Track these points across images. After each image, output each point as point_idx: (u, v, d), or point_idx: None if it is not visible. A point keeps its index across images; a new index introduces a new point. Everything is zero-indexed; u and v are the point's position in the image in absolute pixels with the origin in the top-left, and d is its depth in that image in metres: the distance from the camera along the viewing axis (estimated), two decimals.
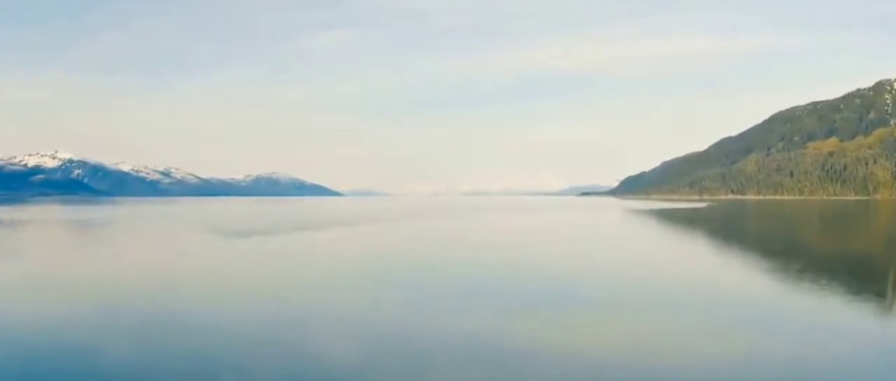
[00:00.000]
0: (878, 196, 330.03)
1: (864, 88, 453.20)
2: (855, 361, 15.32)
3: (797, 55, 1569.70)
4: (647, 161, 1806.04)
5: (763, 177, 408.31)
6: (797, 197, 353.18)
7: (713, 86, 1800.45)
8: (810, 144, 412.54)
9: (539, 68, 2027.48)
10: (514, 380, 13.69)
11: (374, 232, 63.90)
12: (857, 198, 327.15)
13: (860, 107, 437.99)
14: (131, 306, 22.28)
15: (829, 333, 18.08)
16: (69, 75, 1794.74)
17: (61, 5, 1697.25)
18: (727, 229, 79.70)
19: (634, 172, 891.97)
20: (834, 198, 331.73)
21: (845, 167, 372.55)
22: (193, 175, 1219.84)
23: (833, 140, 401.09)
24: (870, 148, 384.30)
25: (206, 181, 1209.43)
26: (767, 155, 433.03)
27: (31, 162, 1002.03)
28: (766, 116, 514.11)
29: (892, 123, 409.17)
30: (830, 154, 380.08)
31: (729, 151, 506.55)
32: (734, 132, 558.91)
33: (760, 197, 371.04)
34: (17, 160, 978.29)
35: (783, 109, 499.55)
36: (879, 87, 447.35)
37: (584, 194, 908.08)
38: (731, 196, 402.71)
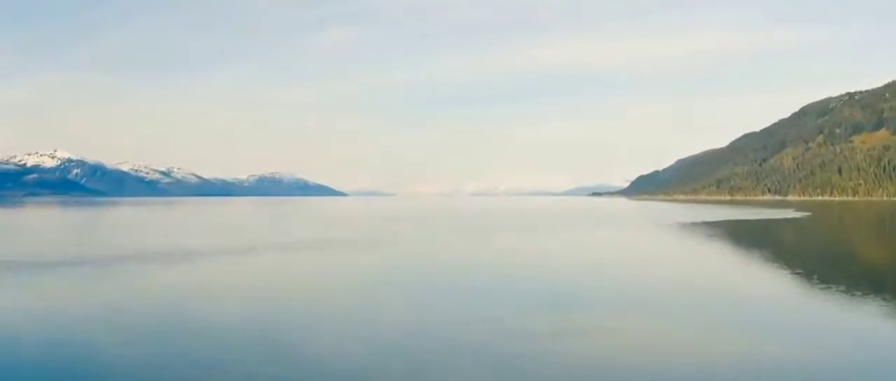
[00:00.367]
0: None
1: None
2: None
3: (801, 51, 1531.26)
4: (658, 160, 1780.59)
5: (804, 175, 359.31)
6: (850, 197, 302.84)
7: (722, 83, 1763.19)
8: (856, 138, 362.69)
9: (545, 67, 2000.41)
10: None
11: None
12: None
13: None
14: None
15: None
16: (70, 75, 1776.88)
17: (62, 4, 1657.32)
18: None
19: (645, 171, 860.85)
20: None
21: None
22: (195, 175, 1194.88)
23: (883, 132, 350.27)
24: None
25: (207, 181, 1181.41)
26: (806, 150, 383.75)
27: (31, 161, 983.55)
28: (795, 109, 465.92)
29: None
30: (885, 148, 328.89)
31: (754, 148, 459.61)
32: (757, 128, 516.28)
33: (805, 198, 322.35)
34: (16, 160, 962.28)
35: (814, 100, 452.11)
36: None
37: (594, 194, 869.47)
38: (768, 196, 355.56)
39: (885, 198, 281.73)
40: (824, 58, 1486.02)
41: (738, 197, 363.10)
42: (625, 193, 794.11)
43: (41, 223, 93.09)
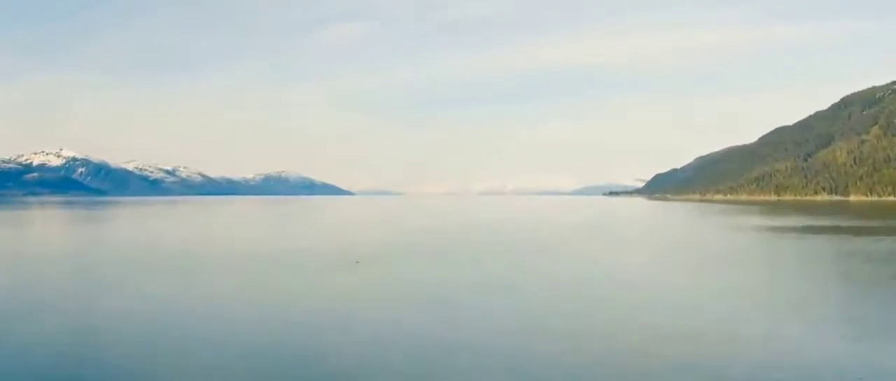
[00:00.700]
0: None
1: None
2: None
3: (808, 46, 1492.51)
4: (671, 158, 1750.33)
5: (865, 171, 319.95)
6: None
7: (733, 79, 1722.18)
8: None
9: (549, 65, 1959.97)
10: None
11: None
12: None
13: None
14: None
15: None
16: (75, 74, 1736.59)
17: (65, 4, 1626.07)
18: None
19: (658, 169, 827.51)
20: None
21: None
22: (200, 174, 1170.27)
23: None
24: None
25: (212, 180, 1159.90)
26: (861, 143, 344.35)
27: (36, 160, 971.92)
28: (835, 100, 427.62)
29: None
30: None
31: (793, 142, 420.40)
32: (787, 122, 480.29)
33: (872, 197, 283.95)
34: (23, 159, 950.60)
35: (857, 90, 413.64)
36: None
37: (610, 193, 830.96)
38: (823, 196, 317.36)
39: None
40: (840, 52, 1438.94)
41: (787, 197, 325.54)
42: (640, 192, 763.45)
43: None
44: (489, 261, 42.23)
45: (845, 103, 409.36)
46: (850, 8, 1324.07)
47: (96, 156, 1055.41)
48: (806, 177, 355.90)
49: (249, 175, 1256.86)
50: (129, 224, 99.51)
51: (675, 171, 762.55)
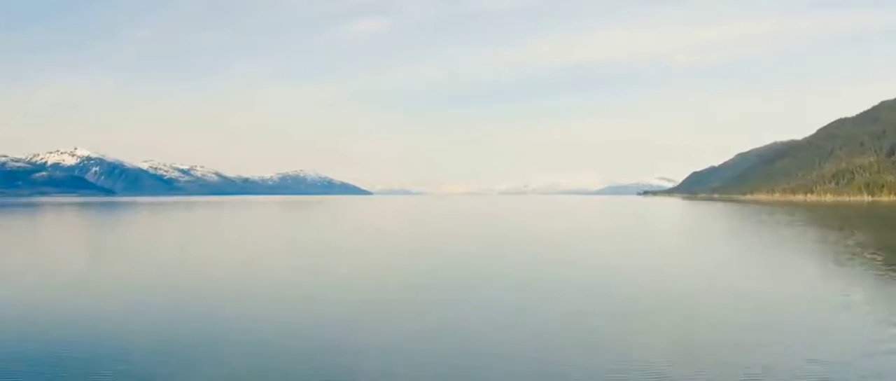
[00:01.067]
0: None
1: None
2: None
3: (853, 36, 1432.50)
4: (705, 155, 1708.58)
5: None
6: None
7: (769, 73, 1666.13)
8: None
9: (577, 60, 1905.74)
10: None
11: None
12: None
13: None
14: None
15: None
16: (92, 74, 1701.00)
17: (82, 3, 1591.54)
18: None
19: (698, 167, 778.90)
20: None
21: None
22: (216, 173, 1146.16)
23: None
24: None
25: (229, 180, 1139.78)
26: None
27: (51, 159, 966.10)
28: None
29: None
30: None
31: (866, 135, 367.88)
32: (843, 115, 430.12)
33: None
34: (38, 158, 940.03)
35: None
36: None
37: (645, 192, 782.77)
38: None
39: None
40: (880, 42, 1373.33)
41: (885, 197, 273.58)
42: (673, 192, 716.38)
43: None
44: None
45: None
46: None
47: (112, 155, 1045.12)
48: None
49: (267, 174, 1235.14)
50: (112, 234, 79.97)
51: (713, 168, 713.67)
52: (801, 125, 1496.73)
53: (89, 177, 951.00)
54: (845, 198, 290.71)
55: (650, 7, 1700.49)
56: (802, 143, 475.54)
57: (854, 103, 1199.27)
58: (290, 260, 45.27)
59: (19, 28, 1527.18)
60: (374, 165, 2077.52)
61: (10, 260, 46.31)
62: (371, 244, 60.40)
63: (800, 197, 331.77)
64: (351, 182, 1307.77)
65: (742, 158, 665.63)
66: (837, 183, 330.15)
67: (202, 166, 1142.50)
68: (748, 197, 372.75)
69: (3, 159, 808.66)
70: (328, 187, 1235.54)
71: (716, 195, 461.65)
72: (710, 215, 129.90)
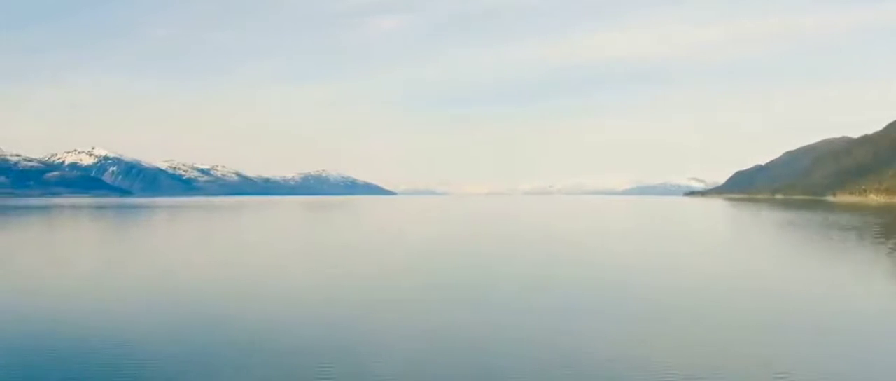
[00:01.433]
0: None
1: None
2: None
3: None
4: (741, 154, 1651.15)
5: None
6: None
7: (800, 70, 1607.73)
8: None
9: (605, 58, 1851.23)
10: None
11: None
12: None
13: None
14: None
15: None
16: (112, 73, 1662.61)
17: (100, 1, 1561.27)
18: None
19: (730, 166, 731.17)
20: None
21: None
22: (237, 173, 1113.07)
23: None
24: None
25: (249, 180, 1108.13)
26: None
27: (68, 159, 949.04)
28: None
29: None
30: None
31: None
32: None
33: None
34: (55, 158, 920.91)
35: None
36: None
37: (689, 193, 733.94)
38: None
39: None
40: None
41: None
42: (708, 193, 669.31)
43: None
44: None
45: None
46: None
47: (130, 155, 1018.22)
48: None
49: (289, 174, 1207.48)
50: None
51: (759, 167, 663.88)
52: (853, 122, 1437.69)
53: (106, 177, 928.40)
54: None
55: (682, 3, 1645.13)
56: (869, 138, 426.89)
57: None
58: (310, 263, 45.14)
59: (34, 27, 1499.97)
60: (397, 164, 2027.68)
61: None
62: (402, 249, 56.55)
63: (854, 198, 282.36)
64: (374, 182, 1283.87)
65: (792, 156, 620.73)
66: None
67: (223, 166, 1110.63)
68: (834, 198, 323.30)
69: (16, 159, 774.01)
70: (351, 188, 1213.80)
71: (779, 196, 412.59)
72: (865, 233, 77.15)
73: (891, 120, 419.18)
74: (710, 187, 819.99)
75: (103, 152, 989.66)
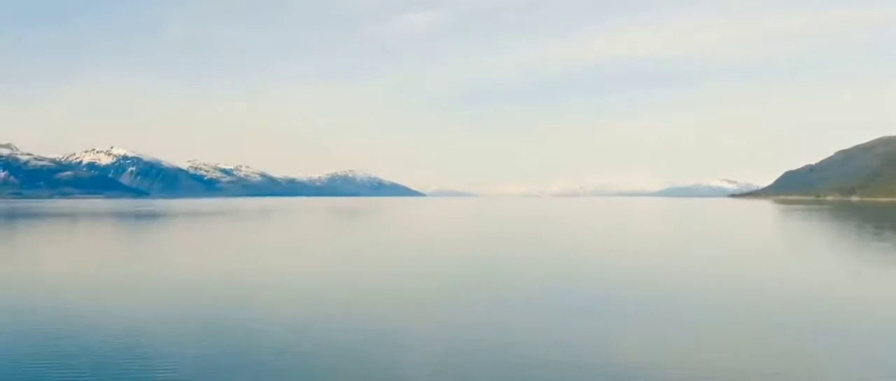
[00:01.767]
0: None
1: None
2: None
3: None
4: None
5: None
6: None
7: (848, 67, 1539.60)
8: None
9: (637, 56, 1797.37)
10: None
11: None
12: None
13: None
14: None
15: None
16: (135, 72, 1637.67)
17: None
18: None
19: (774, 167, 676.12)
20: None
21: None
22: (260, 174, 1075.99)
23: None
24: None
25: (274, 180, 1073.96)
26: None
27: (86, 158, 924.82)
28: None
29: None
30: None
31: None
32: None
33: None
34: (73, 157, 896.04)
35: None
36: None
37: (734, 195, 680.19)
38: None
39: None
40: None
41: None
42: (742, 195, 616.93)
43: None
44: None
45: None
46: None
47: (151, 155, 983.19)
48: None
49: (315, 175, 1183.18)
50: None
51: (811, 168, 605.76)
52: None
53: (125, 177, 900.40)
54: None
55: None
56: None
57: None
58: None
59: (55, 25, 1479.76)
60: (426, 165, 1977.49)
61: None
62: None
63: None
64: (402, 183, 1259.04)
65: (845, 154, 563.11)
66: None
67: (247, 167, 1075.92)
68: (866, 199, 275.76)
69: (26, 158, 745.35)
70: (378, 189, 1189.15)
71: (854, 199, 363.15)
72: None
73: None
74: (748, 189, 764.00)
75: (122, 152, 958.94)
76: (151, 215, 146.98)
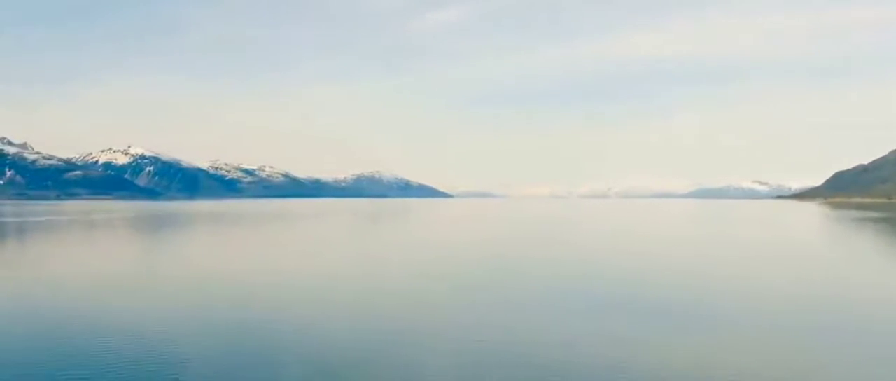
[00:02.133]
0: None
1: None
2: None
3: None
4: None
5: None
6: None
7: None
8: None
9: (667, 55, 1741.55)
10: None
11: None
12: None
13: None
14: None
15: None
16: (158, 72, 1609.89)
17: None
18: None
19: (844, 165, 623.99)
20: None
21: None
22: (283, 174, 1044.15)
23: None
24: None
25: (297, 181, 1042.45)
26: None
27: (103, 158, 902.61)
28: None
29: None
30: None
31: None
32: None
33: None
34: (90, 157, 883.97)
35: None
36: None
37: (779, 196, 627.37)
38: None
39: None
40: None
41: None
42: (790, 196, 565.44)
43: None
44: None
45: None
46: None
47: (171, 154, 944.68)
48: None
49: (341, 175, 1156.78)
50: None
51: (864, 168, 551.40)
52: None
53: (142, 177, 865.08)
54: None
55: None
56: None
57: None
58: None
59: (76, 25, 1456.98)
60: (453, 165, 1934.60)
61: None
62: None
63: None
64: (429, 184, 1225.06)
65: None
66: None
67: (270, 167, 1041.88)
68: None
69: (34, 157, 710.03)
70: (405, 189, 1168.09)
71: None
72: None
73: None
74: (780, 191, 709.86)
75: (139, 151, 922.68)
76: (138, 219, 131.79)
